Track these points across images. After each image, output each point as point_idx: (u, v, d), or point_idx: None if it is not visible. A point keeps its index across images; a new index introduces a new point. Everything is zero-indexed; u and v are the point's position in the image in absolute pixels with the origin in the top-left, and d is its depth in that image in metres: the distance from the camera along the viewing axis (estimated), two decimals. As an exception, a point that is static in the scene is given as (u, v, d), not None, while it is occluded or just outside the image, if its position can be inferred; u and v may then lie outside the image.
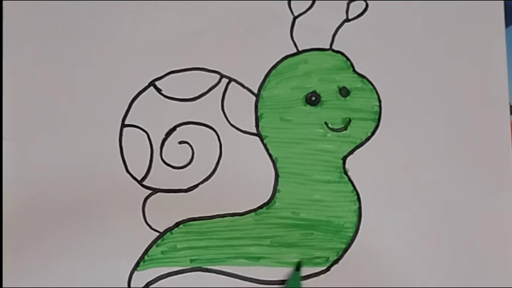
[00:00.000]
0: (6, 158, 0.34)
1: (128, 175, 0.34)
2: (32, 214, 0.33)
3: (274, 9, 0.35)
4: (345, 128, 0.34)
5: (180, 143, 0.34)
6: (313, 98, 0.34)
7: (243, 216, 0.34)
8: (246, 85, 0.34)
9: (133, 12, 0.35)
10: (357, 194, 0.34)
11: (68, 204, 0.33)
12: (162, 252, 0.33)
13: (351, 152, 0.34)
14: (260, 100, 0.34)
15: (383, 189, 0.34)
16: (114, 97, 0.34)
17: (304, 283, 0.33)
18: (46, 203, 0.33)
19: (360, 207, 0.34)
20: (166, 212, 0.33)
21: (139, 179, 0.34)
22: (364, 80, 0.35)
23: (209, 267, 0.33)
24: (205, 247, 0.34)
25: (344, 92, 0.34)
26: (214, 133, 0.34)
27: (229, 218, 0.34)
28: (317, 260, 0.33)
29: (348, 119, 0.34)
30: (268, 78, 0.34)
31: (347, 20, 0.35)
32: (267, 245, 0.34)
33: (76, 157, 0.34)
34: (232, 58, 0.35)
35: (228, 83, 0.34)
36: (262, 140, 0.34)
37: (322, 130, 0.34)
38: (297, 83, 0.34)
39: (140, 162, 0.34)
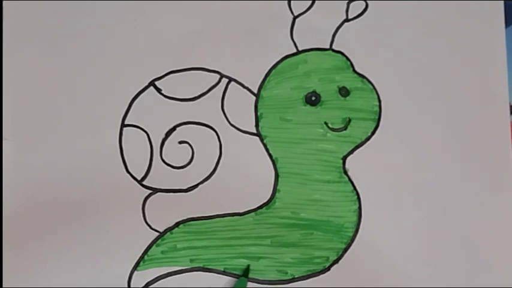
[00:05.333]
0: (6, 158, 0.34)
1: (128, 175, 0.34)
2: (32, 214, 0.33)
3: (274, 9, 0.35)
4: (345, 128, 0.34)
5: (180, 143, 0.34)
6: (313, 98, 0.34)
7: (243, 216, 0.34)
8: (246, 85, 0.34)
9: (133, 12, 0.35)
10: (357, 194, 0.34)
11: (67, 204, 0.33)
12: (162, 252, 0.33)
13: (351, 152, 0.34)
14: (260, 100, 0.34)
15: (383, 189, 0.34)
16: (114, 97, 0.34)
17: (304, 283, 0.33)
18: (46, 203, 0.33)
19: (360, 207, 0.34)
20: (166, 212, 0.33)
21: (139, 179, 0.34)
22: (364, 80, 0.35)
23: (209, 267, 0.33)
24: (205, 247, 0.34)
25: (344, 92, 0.34)
26: (214, 133, 0.34)
27: (229, 218, 0.34)
28: (317, 260, 0.33)
29: (348, 119, 0.34)
30: (268, 78, 0.34)
31: (347, 20, 0.35)
32: (267, 245, 0.34)
33: (76, 157, 0.34)
34: (232, 58, 0.35)
35: (228, 83, 0.34)
36: (262, 140, 0.34)
37: (322, 130, 0.34)
38: (297, 83, 0.34)
39: (140, 162, 0.34)
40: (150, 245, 0.33)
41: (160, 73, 0.34)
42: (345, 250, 0.34)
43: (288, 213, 0.34)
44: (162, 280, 0.33)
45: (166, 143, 0.34)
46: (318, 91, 0.34)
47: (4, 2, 0.35)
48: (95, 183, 0.33)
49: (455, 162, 0.34)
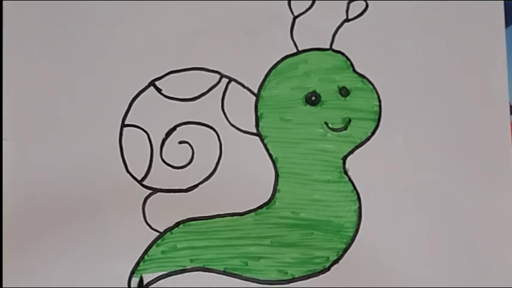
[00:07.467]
0: (6, 158, 0.34)
1: (128, 175, 0.34)
2: (32, 214, 0.33)
3: (274, 9, 0.35)
4: (345, 128, 0.34)
5: (180, 143, 0.34)
6: (313, 98, 0.34)
7: (243, 216, 0.34)
8: (246, 85, 0.34)
9: (133, 12, 0.35)
10: (357, 194, 0.34)
11: (67, 204, 0.33)
12: (162, 252, 0.33)
13: (351, 152, 0.34)
14: (260, 100, 0.34)
15: (383, 189, 0.34)
16: (114, 97, 0.34)
17: (304, 283, 0.33)
18: (46, 203, 0.33)
19: (360, 207, 0.34)
20: (166, 212, 0.33)
21: (139, 179, 0.34)
22: (364, 80, 0.35)
23: (209, 267, 0.33)
24: (205, 247, 0.34)
25: (344, 92, 0.34)
26: (214, 133, 0.34)
27: (229, 218, 0.34)
28: (317, 260, 0.33)
29: (348, 119, 0.34)
30: (268, 78, 0.34)
31: (347, 20, 0.35)
32: (267, 245, 0.34)
33: (76, 157, 0.34)
34: (232, 58, 0.35)
35: (228, 83, 0.34)
36: (262, 140, 0.34)
37: (322, 130, 0.34)
38: (297, 83, 0.34)
39: (140, 162, 0.34)
40: (150, 245, 0.33)
41: (160, 73, 0.34)
42: (345, 250, 0.34)
43: (288, 213, 0.34)
44: (162, 280, 0.33)
45: (166, 143, 0.34)
46: (318, 91, 0.34)
47: (4, 2, 0.35)
48: (95, 183, 0.33)
49: (455, 162, 0.34)
